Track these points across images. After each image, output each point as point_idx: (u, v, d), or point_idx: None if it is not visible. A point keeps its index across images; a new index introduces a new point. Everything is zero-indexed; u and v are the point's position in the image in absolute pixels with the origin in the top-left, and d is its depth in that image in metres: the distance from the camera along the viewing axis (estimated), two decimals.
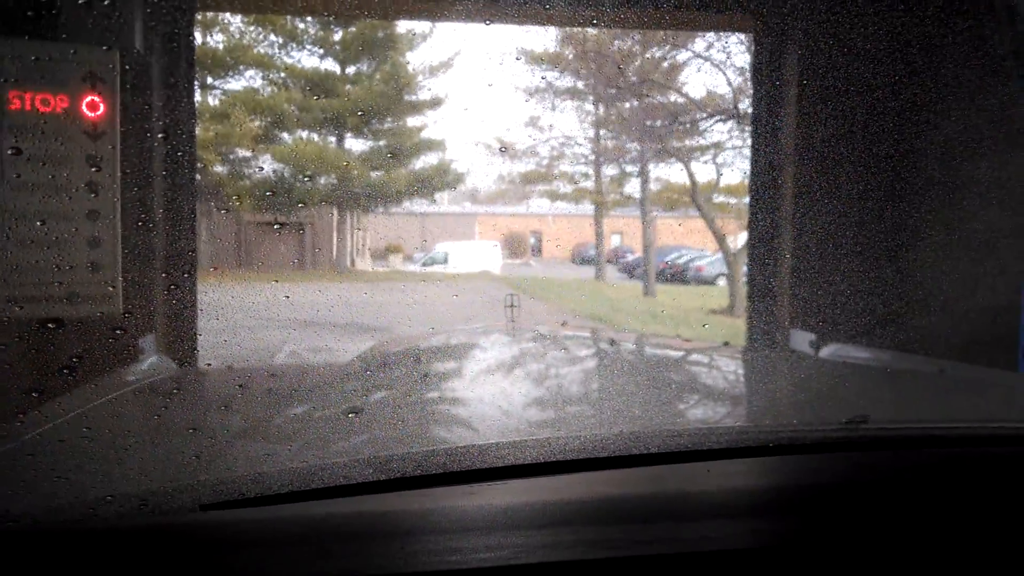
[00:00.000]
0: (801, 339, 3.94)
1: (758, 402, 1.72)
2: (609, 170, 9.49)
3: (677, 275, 11.07)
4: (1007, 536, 0.80)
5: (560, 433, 1.27)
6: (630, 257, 11.07)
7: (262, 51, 8.31)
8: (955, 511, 0.86)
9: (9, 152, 2.39)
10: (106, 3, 2.72)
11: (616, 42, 7.65)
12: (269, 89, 8.35)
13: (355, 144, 8.57)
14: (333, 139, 8.36)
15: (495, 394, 1.86)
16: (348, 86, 8.22)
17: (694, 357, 2.19)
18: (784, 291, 4.32)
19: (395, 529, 0.79)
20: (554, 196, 10.35)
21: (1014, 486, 0.96)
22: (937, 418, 1.42)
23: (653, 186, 9.46)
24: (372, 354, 2.18)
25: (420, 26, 7.82)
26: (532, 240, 11.63)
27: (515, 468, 0.98)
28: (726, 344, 2.32)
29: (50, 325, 1.87)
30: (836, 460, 1.10)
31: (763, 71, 4.60)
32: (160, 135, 3.31)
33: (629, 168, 9.34)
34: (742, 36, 6.75)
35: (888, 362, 2.51)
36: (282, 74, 8.47)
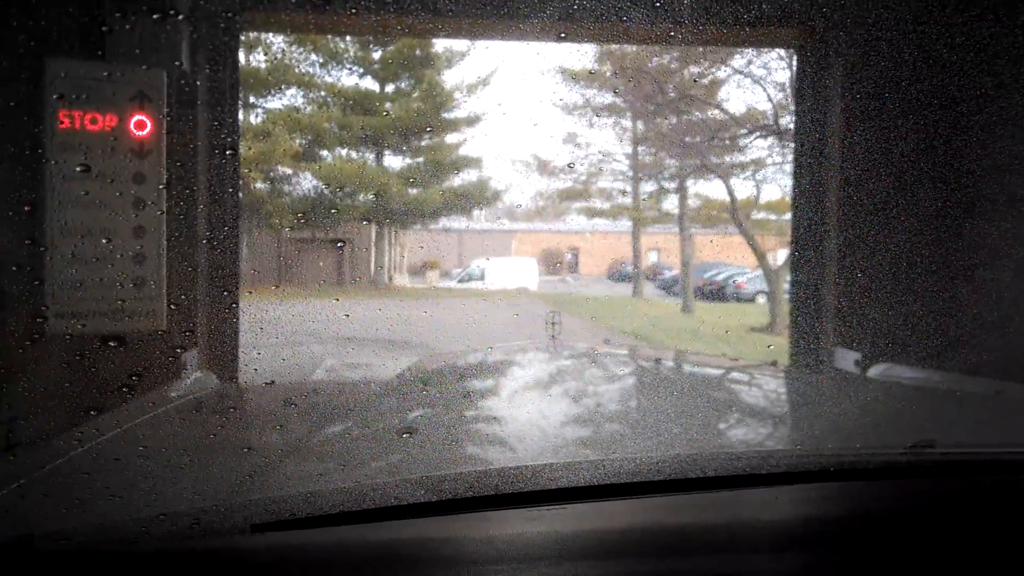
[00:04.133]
0: (846, 358, 3.86)
1: (813, 425, 1.67)
2: (647, 186, 9.44)
3: (716, 292, 10.96)
4: None
5: (615, 455, 1.24)
6: (668, 274, 10.98)
7: (303, 70, 8.43)
8: (1016, 538, 0.82)
9: (78, 169, 2.43)
10: (154, 24, 2.77)
11: (655, 59, 7.62)
12: (310, 108, 8.46)
13: (393, 161, 8.64)
14: (372, 156, 8.44)
15: (539, 412, 1.84)
16: (387, 104, 8.30)
17: (741, 376, 2.14)
18: (828, 309, 4.24)
19: (458, 556, 0.77)
20: (592, 213, 10.32)
21: None
22: (1000, 442, 1.37)
23: (692, 202, 9.40)
24: (414, 371, 2.17)
25: (458, 44, 7.88)
26: (569, 257, 11.60)
27: (570, 491, 0.96)
28: (773, 363, 2.27)
29: (108, 342, 1.89)
30: (902, 486, 1.06)
31: (806, 86, 4.54)
32: (205, 153, 3.35)
33: (667, 184, 9.28)
34: (782, 52, 6.70)
35: (939, 383, 2.44)
36: (323, 93, 8.57)
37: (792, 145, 5.81)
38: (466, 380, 2.10)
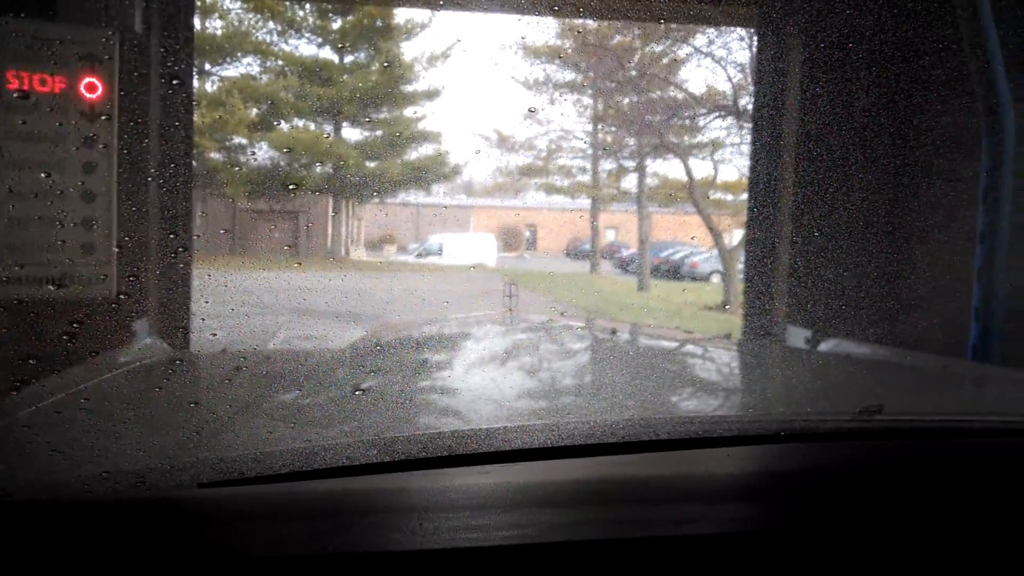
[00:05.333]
0: (797, 335, 3.93)
1: (765, 392, 1.70)
2: (606, 164, 9.46)
3: (672, 271, 11.06)
4: (1013, 526, 0.79)
5: (570, 418, 1.25)
6: (625, 252, 11.05)
7: (261, 38, 8.27)
8: (963, 500, 0.85)
9: (25, 131, 2.37)
10: None
11: (616, 35, 7.62)
12: (266, 77, 8.30)
13: (351, 133, 8.54)
14: (329, 128, 8.32)
15: (493, 382, 1.84)
16: (345, 75, 8.18)
17: (695, 348, 2.17)
18: (781, 288, 4.31)
19: (411, 505, 0.77)
20: (551, 190, 10.32)
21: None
22: (945, 411, 1.42)
23: (650, 181, 9.45)
24: (368, 340, 2.16)
25: (419, 15, 7.78)
26: (527, 233, 11.61)
27: (524, 452, 0.96)
28: (727, 336, 2.31)
29: (56, 308, 1.85)
30: (849, 448, 1.09)
31: (764, 66, 4.58)
32: (157, 118, 3.28)
33: (626, 163, 9.32)
34: (743, 32, 6.74)
35: (887, 358, 2.50)
36: (279, 61, 8.42)
37: (750, 126, 5.87)
38: (420, 350, 2.10)
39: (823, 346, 3.02)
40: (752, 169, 4.60)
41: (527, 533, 0.70)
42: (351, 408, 1.38)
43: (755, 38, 5.04)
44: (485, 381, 1.88)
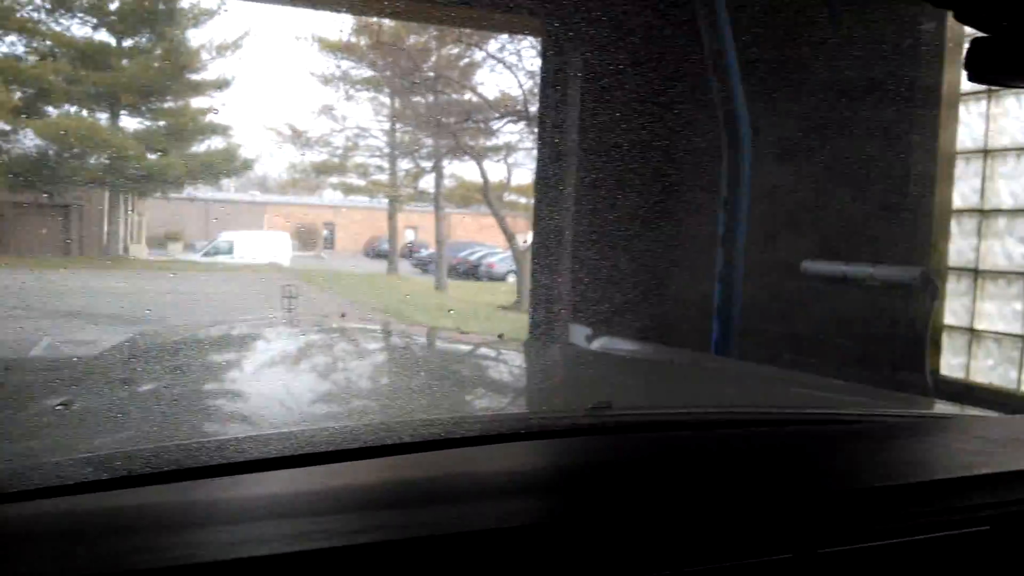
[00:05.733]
0: (579, 333, 4.13)
1: (519, 391, 1.78)
2: (404, 164, 9.47)
3: (470, 271, 11.26)
4: (731, 508, 0.88)
5: (304, 427, 1.24)
6: (424, 252, 11.10)
7: (26, 15, 7.55)
8: (681, 489, 0.93)
9: None
10: None
11: (412, 36, 7.64)
12: (32, 58, 7.59)
13: (131, 123, 7.98)
14: (106, 116, 7.75)
15: (256, 388, 1.80)
16: (124, 60, 7.64)
17: (465, 348, 2.23)
18: (564, 287, 4.51)
19: (109, 527, 0.74)
20: (348, 188, 10.18)
21: (737, 465, 1.05)
22: (673, 403, 1.55)
23: (448, 182, 9.55)
24: (122, 347, 2.04)
25: (206, 1, 7.41)
26: (325, 232, 11.38)
27: (261, 462, 0.95)
28: (500, 336, 2.40)
29: None
30: (584, 443, 1.16)
31: (549, 75, 4.77)
32: None
33: (424, 163, 9.37)
34: (533, 40, 6.97)
35: (645, 353, 2.69)
36: (48, 42, 7.73)
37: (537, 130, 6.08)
38: (178, 355, 2.00)
39: (596, 344, 3.19)
40: (537, 173, 4.78)
41: (293, 541, 0.70)
42: (70, 421, 1.30)
43: (541, 48, 5.24)
44: (271, 386, 1.83)
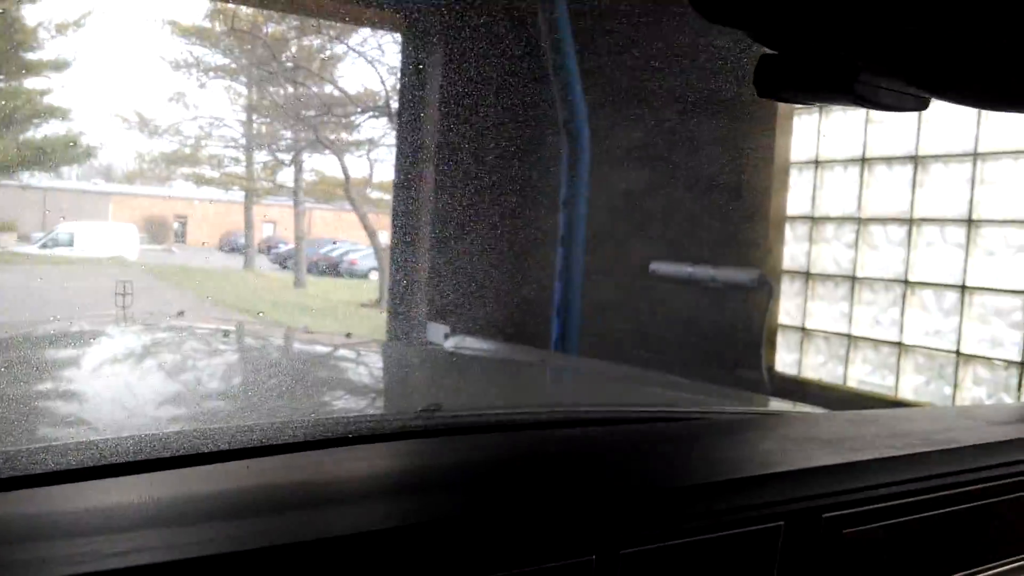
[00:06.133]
0: (436, 332, 4.13)
1: (357, 392, 1.76)
2: (261, 156, 9.17)
3: (331, 267, 11.02)
4: (535, 511, 0.89)
5: (108, 435, 1.19)
6: (283, 247, 10.79)
7: None
8: (492, 493, 0.94)
9: None
10: None
11: (270, 24, 7.41)
12: None
13: None
14: None
15: (90, 389, 1.71)
16: None
17: (308, 348, 2.19)
18: (420, 286, 4.50)
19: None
20: (201, 180, 9.76)
21: (555, 465, 1.07)
22: (518, 403, 1.57)
23: (308, 177, 9.32)
24: None
25: None
26: (176, 225, 10.86)
27: (94, 469, 0.90)
28: (348, 335, 2.36)
29: None
30: (412, 446, 1.16)
31: (407, 71, 4.74)
32: None
33: (282, 156, 9.11)
34: (396, 36, 6.90)
35: (498, 351, 2.72)
36: None
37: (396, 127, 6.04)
38: (9, 354, 1.87)
39: (449, 342, 3.20)
40: (396, 170, 4.75)
41: (150, 555, 0.65)
42: None
43: (401, 43, 5.20)
44: (106, 387, 1.74)
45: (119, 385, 1.68)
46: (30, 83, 7.64)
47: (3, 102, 7.57)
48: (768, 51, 0.85)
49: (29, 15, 7.56)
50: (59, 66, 7.57)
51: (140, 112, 8.14)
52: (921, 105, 0.94)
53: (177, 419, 1.44)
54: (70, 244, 8.34)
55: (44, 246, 8.36)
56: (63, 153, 7.86)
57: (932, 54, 0.77)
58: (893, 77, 0.84)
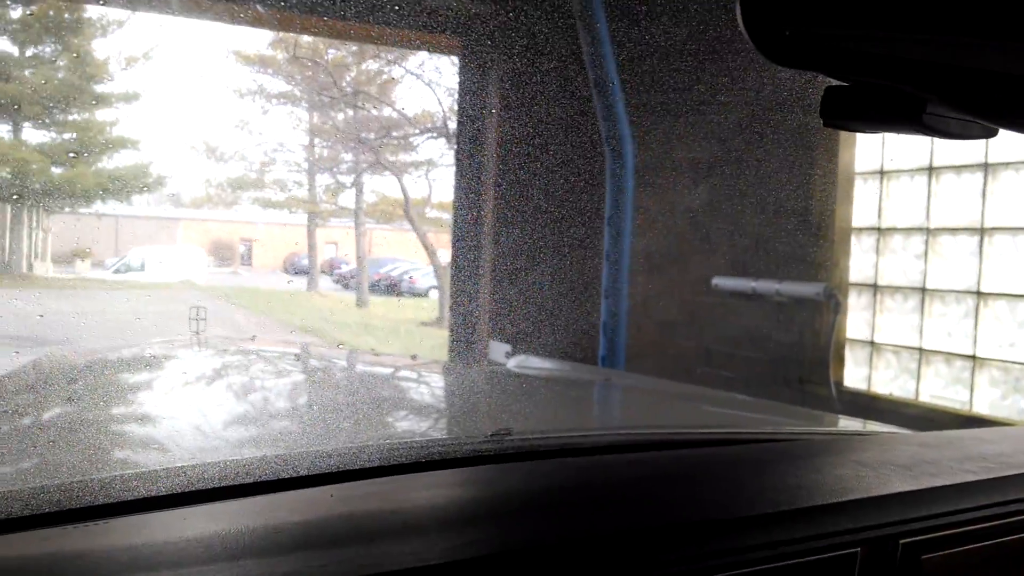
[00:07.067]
0: (499, 350, 4.15)
1: (427, 415, 1.79)
2: (323, 179, 9.36)
3: (392, 287, 11.16)
4: (601, 540, 0.90)
5: (193, 461, 1.22)
6: (344, 268, 10.98)
7: None
8: (556, 521, 0.95)
9: None
10: None
11: (331, 51, 7.58)
12: None
13: (34, 135, 7.68)
14: (7, 127, 7.44)
15: (164, 412, 1.77)
16: (27, 71, 7.36)
17: (376, 371, 2.23)
18: (483, 304, 4.53)
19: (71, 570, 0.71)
20: (266, 203, 10.00)
21: (621, 492, 1.08)
22: (577, 427, 1.58)
23: (368, 198, 9.48)
24: (26, 370, 1.97)
25: (115, 13, 7.21)
26: (242, 248, 11.14)
27: (149, 500, 0.93)
28: (413, 357, 2.39)
29: None
30: (485, 472, 1.17)
31: (467, 93, 4.80)
32: None
33: (343, 178, 9.29)
34: (453, 58, 7.00)
35: (562, 371, 2.72)
36: None
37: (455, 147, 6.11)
38: (84, 379, 1.95)
39: (512, 362, 3.21)
40: (455, 189, 4.80)
41: None
42: (15, 446, 1.26)
43: (459, 66, 5.27)
44: (180, 410, 1.79)
45: (196, 409, 1.73)
46: (102, 115, 7.94)
47: (78, 134, 7.89)
48: (834, 83, 0.85)
49: (100, 49, 7.87)
50: (129, 98, 7.86)
51: (207, 140, 8.41)
52: (989, 134, 0.93)
53: (256, 441, 1.48)
54: (142, 269, 8.62)
55: (117, 271, 8.65)
56: (135, 181, 8.15)
57: (1000, 86, 0.77)
58: (961, 108, 0.84)
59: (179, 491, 0.94)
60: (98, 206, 8.80)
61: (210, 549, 0.77)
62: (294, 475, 1.04)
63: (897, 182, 4.43)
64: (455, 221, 5.08)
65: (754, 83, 4.10)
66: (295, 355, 2.41)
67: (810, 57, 0.80)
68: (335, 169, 9.28)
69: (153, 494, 0.94)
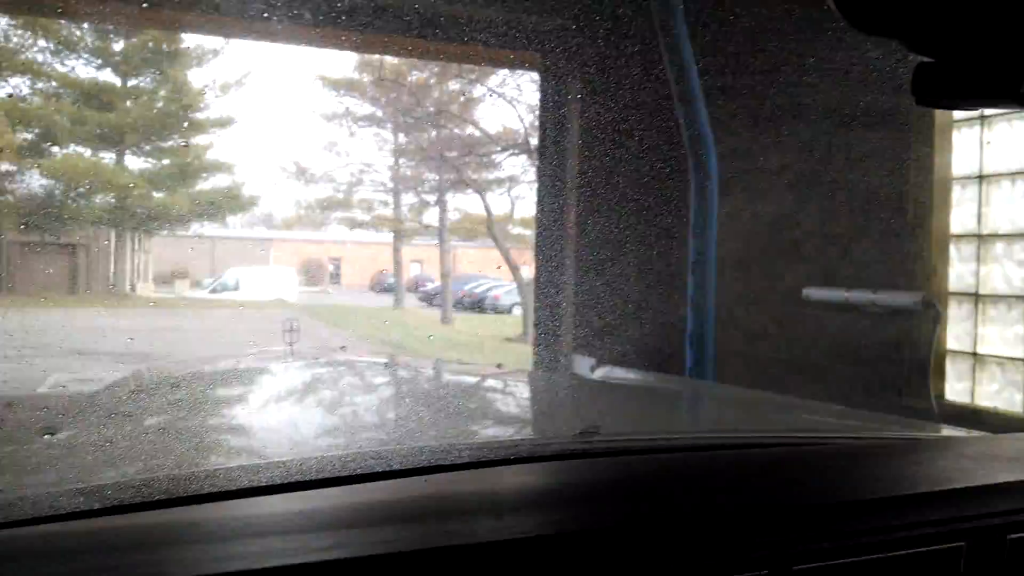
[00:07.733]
0: (583, 363, 4.14)
1: (513, 418, 1.80)
2: (408, 198, 9.54)
3: (476, 304, 11.26)
4: (704, 527, 0.89)
5: (294, 457, 1.26)
6: (429, 285, 11.13)
7: (31, 56, 7.67)
8: (657, 509, 0.94)
9: None
10: None
11: (414, 72, 7.75)
12: (37, 98, 7.70)
13: (136, 162, 8.06)
14: (111, 155, 7.83)
15: (258, 420, 1.82)
16: (128, 100, 7.74)
17: (463, 379, 2.25)
18: (566, 318, 4.52)
19: (95, 548, 0.75)
20: (353, 223, 10.24)
21: (716, 485, 1.06)
22: (663, 429, 1.56)
23: (452, 216, 9.61)
24: (126, 381, 2.06)
25: (210, 42, 7.53)
26: (330, 267, 11.42)
27: (252, 489, 0.96)
28: (499, 366, 2.41)
29: None
30: (573, 467, 1.18)
31: (547, 108, 4.83)
32: None
33: (427, 197, 9.44)
34: (533, 75, 7.06)
35: (647, 381, 2.70)
36: (54, 83, 7.85)
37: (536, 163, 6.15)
38: (184, 389, 2.02)
39: (598, 373, 3.20)
40: (537, 205, 4.82)
41: (344, 551, 0.73)
42: (115, 451, 1.32)
43: (540, 82, 5.31)
44: (273, 418, 1.85)
45: (289, 416, 1.78)
46: (199, 140, 8.30)
47: (176, 159, 8.25)
48: (924, 59, 0.82)
49: (197, 78, 8.23)
50: (223, 123, 8.19)
51: (297, 161, 8.68)
52: None
53: (347, 447, 1.51)
54: (236, 288, 8.94)
55: (213, 291, 9.00)
56: (229, 203, 8.47)
57: None
58: None
59: (279, 482, 0.97)
60: (195, 228, 9.20)
61: (313, 520, 0.80)
62: (388, 468, 1.06)
63: (997, 187, 4.25)
64: (537, 237, 5.10)
65: (842, 89, 4.00)
66: (384, 364, 2.46)
67: (896, 23, 0.77)
68: (419, 188, 9.45)
69: (255, 484, 0.97)
